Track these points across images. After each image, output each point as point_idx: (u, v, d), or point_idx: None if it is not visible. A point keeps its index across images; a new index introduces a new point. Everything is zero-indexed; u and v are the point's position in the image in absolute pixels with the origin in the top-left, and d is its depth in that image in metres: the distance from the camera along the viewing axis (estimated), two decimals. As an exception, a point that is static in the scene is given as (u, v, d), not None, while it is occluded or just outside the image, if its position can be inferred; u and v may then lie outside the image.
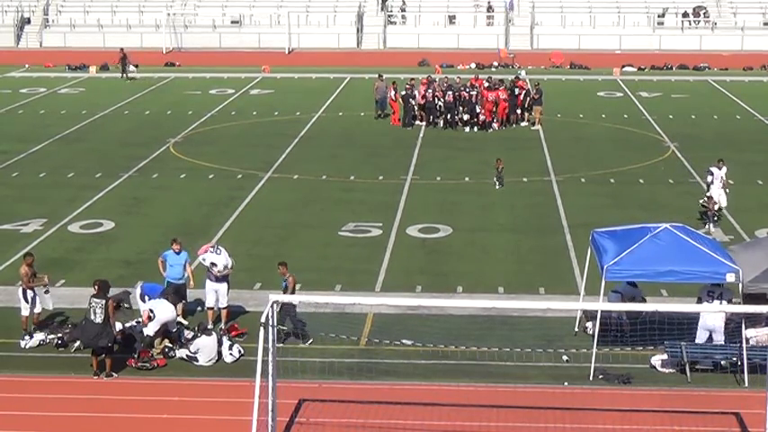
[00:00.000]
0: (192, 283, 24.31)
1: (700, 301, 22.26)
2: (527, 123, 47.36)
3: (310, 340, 22.82)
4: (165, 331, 22.74)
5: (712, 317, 22.02)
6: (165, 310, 22.69)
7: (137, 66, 63.86)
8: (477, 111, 46.46)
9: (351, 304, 23.40)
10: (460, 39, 73.73)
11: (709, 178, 32.31)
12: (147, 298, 23.25)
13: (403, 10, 76.26)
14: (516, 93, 47.53)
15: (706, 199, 32.00)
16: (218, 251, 23.86)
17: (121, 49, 63.54)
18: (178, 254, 24.29)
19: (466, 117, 46.56)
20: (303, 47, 73.73)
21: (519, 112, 47.46)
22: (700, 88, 59.02)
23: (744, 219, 32.29)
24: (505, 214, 33.55)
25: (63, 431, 19.55)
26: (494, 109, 46.93)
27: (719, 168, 32.60)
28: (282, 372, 19.61)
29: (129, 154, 41.67)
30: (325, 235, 31.21)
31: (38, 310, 23.71)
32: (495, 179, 36.25)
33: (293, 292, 22.98)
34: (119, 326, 22.29)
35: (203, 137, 45.59)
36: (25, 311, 23.37)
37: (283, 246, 30.25)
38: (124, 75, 62.08)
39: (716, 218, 31.47)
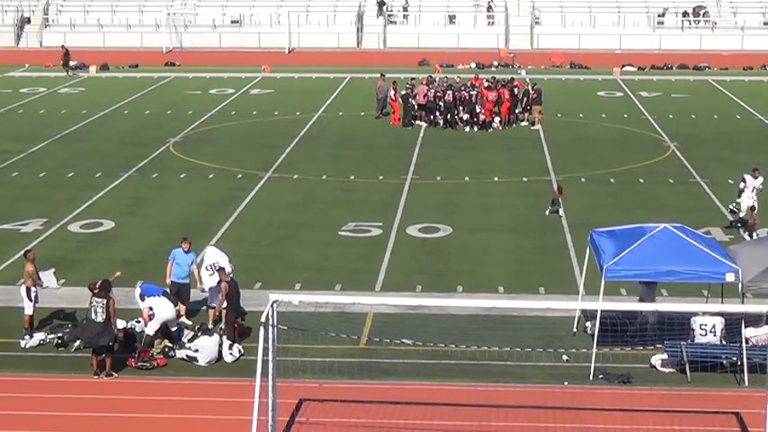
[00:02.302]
0: (199, 285, 24.31)
1: (693, 332, 22.13)
2: (527, 123, 47.37)
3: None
4: (165, 331, 22.75)
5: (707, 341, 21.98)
6: (164, 309, 22.70)
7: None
8: (477, 110, 46.47)
9: (351, 304, 23.40)
10: (460, 38, 73.70)
11: (741, 185, 31.28)
12: (146, 298, 23.23)
13: (405, 9, 76.25)
14: (515, 92, 47.53)
15: (734, 205, 31.48)
16: (216, 266, 23.87)
17: (63, 46, 64.92)
18: (187, 253, 24.32)
19: (465, 117, 46.58)
20: (303, 46, 73.72)
21: (518, 111, 47.48)
22: (700, 88, 59.01)
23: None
24: (505, 214, 33.56)
25: (63, 431, 19.56)
26: (494, 108, 46.97)
27: (755, 178, 31.39)
28: (283, 371, 19.61)
29: (129, 154, 41.68)
30: (326, 235, 31.22)
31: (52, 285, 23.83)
32: (551, 205, 33.17)
33: (228, 299, 22.96)
34: (120, 324, 22.30)
35: (203, 137, 45.60)
36: (29, 310, 23.32)
37: (283, 246, 30.28)
38: (68, 72, 62.92)
39: (747, 226, 30.83)
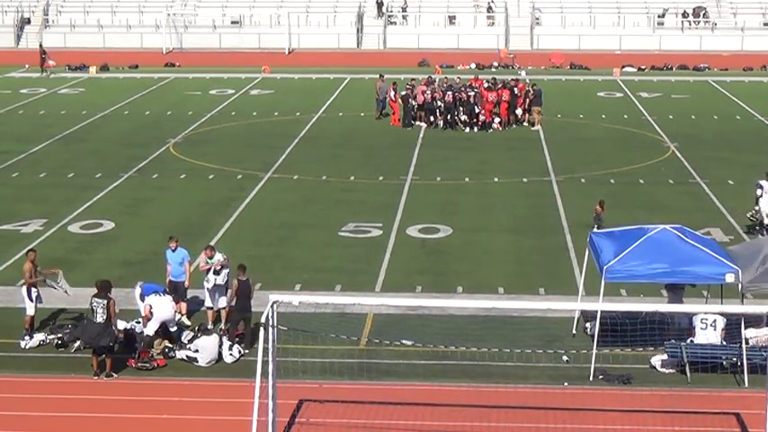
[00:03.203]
0: (187, 282, 24.34)
1: (694, 329, 22.11)
2: (527, 124, 47.34)
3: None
4: (164, 331, 22.74)
5: (707, 336, 21.95)
6: (163, 309, 22.68)
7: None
8: (477, 111, 46.47)
9: (351, 304, 23.40)
10: (460, 39, 73.75)
11: (759, 192, 30.81)
12: (145, 298, 23.20)
13: (404, 9, 76.27)
14: (516, 93, 47.50)
15: (753, 212, 31.09)
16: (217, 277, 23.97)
17: (40, 45, 65.96)
18: (174, 251, 24.37)
19: (463, 117, 46.54)
20: (303, 47, 73.77)
21: (519, 112, 47.43)
22: (700, 89, 59.02)
23: (743, 219, 32.25)
24: (505, 214, 33.56)
25: (63, 431, 19.56)
26: (494, 109, 46.95)
27: None
28: (283, 372, 19.61)
29: (129, 154, 41.69)
30: (326, 235, 31.21)
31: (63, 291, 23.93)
32: (593, 221, 30.31)
33: (237, 297, 22.99)
34: (120, 325, 22.30)
35: (203, 137, 45.60)
36: (30, 311, 23.30)
37: (283, 246, 30.27)
38: (44, 72, 63.37)
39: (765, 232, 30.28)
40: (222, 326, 23.67)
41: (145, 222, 32.70)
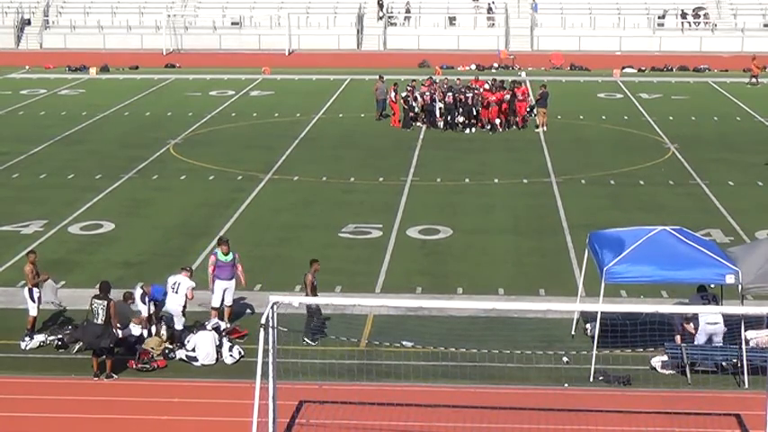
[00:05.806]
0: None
1: (696, 321, 22.09)
2: (522, 125, 47.25)
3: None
4: (169, 329, 22.78)
5: (712, 327, 21.94)
6: (170, 302, 22.80)
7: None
8: (475, 112, 46.44)
9: (351, 305, 23.42)
10: (461, 40, 73.79)
11: None
12: (147, 301, 23.15)
13: (407, 11, 76.28)
14: (516, 95, 47.41)
15: None
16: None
17: None
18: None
19: (461, 119, 46.46)
20: (303, 48, 73.80)
21: (519, 115, 47.39)
22: (700, 89, 59.04)
23: (744, 220, 32.28)
24: (505, 215, 33.56)
25: (63, 432, 19.60)
26: (498, 110, 46.87)
27: None
28: (283, 373, 19.62)
29: (129, 155, 41.69)
30: (326, 236, 31.21)
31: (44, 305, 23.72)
32: None
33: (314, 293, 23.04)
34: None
35: (203, 138, 45.60)
36: (33, 311, 23.29)
37: (284, 247, 30.27)
38: None
39: None
40: (228, 325, 23.62)
41: (145, 223, 32.70)
